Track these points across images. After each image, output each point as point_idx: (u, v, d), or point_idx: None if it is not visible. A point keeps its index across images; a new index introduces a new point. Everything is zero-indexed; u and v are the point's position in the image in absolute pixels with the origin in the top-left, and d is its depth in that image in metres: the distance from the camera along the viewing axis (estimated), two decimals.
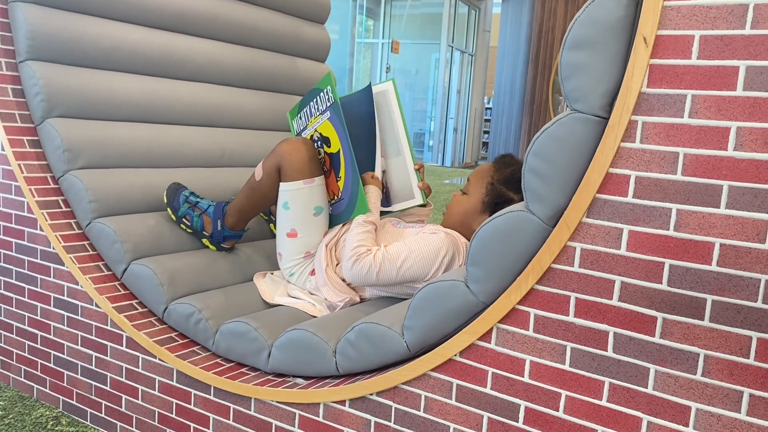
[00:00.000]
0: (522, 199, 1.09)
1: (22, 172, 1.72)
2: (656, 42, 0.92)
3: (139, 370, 1.57)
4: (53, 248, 1.68)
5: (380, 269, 1.45)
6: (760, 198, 0.87)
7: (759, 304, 0.88)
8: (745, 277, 0.89)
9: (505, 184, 1.48)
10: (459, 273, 1.17)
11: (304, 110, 1.78)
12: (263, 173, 1.64)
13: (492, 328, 1.09)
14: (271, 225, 2.00)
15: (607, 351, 1.00)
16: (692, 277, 0.92)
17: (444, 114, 11.43)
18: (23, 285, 1.77)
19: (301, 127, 1.78)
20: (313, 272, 1.64)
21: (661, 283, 0.95)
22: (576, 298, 1.01)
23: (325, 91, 1.67)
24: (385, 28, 10.39)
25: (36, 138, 1.78)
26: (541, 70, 7.23)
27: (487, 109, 13.21)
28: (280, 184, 1.62)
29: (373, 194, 1.65)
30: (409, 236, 1.54)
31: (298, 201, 1.60)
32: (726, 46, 0.88)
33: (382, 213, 1.74)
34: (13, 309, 1.81)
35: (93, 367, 1.66)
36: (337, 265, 1.61)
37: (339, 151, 1.66)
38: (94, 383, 1.66)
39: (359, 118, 1.70)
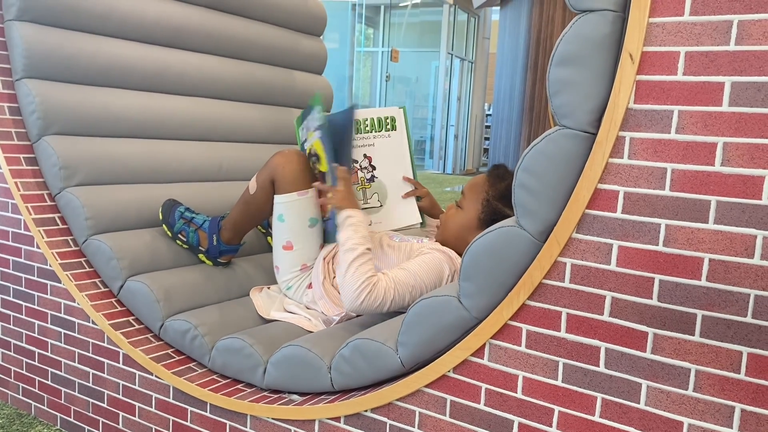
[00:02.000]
0: None
1: (19, 190, 1.73)
2: (642, 58, 0.93)
3: (136, 387, 1.57)
4: (50, 265, 1.69)
5: (392, 302, 1.40)
6: (748, 213, 0.88)
7: (748, 319, 0.89)
8: (734, 292, 0.89)
9: (500, 200, 1.49)
10: (452, 288, 1.18)
11: (305, 122, 1.79)
12: (257, 186, 1.65)
13: (485, 344, 1.10)
14: (269, 238, 2.01)
15: (599, 366, 1.00)
16: (682, 293, 0.93)
17: (444, 121, 11.46)
18: (20, 302, 1.78)
19: (304, 138, 1.79)
20: (310, 285, 1.64)
21: (652, 298, 0.95)
22: (567, 313, 1.02)
23: (316, 109, 1.68)
24: (384, 36, 10.43)
25: (32, 155, 1.79)
26: (540, 77, 7.24)
27: (487, 115, 13.24)
28: (275, 196, 1.62)
29: (355, 219, 1.49)
30: (404, 251, 1.55)
31: (293, 213, 1.61)
32: (711, 62, 0.89)
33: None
34: (11, 326, 1.82)
35: (90, 384, 1.66)
36: (334, 278, 1.61)
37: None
38: (91, 400, 1.67)
39: (343, 139, 1.70)
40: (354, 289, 1.36)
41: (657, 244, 0.94)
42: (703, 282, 0.91)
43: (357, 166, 1.76)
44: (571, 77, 0.99)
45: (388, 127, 1.78)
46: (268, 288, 1.76)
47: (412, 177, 1.82)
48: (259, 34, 2.41)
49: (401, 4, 10.86)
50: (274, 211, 1.64)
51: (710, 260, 0.90)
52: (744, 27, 0.86)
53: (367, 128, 1.77)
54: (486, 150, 13.20)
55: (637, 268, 0.96)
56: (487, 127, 13.04)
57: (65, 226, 1.76)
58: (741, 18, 0.86)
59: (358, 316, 1.59)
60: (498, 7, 9.74)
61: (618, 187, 0.96)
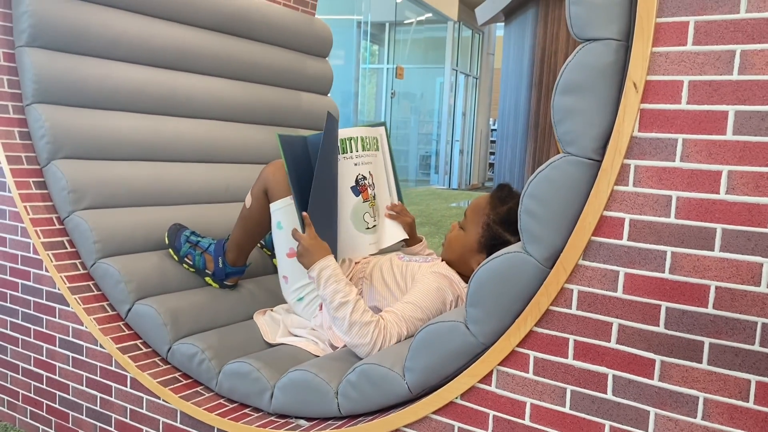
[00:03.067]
0: (518, 240, 1.10)
1: (28, 214, 1.74)
2: (646, 87, 0.94)
3: (144, 411, 1.57)
4: (58, 289, 1.70)
5: (405, 337, 1.40)
6: (754, 241, 0.88)
7: (756, 347, 0.88)
8: (741, 319, 0.89)
9: (501, 225, 1.49)
10: (459, 314, 1.18)
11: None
12: (252, 199, 1.66)
13: (492, 371, 1.10)
14: (275, 260, 2.01)
15: (606, 394, 1.00)
16: (689, 320, 0.93)
17: (450, 136, 11.49)
18: (29, 325, 1.79)
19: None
20: (321, 307, 1.63)
21: (659, 325, 0.95)
22: (575, 340, 1.02)
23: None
24: (389, 53, 10.50)
25: (42, 179, 1.81)
26: (545, 93, 7.26)
27: (492, 130, 13.27)
28: (270, 205, 1.63)
29: (330, 270, 1.44)
30: (410, 272, 1.55)
31: (290, 216, 1.60)
32: (714, 91, 0.90)
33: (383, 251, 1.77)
34: (19, 349, 1.83)
35: (98, 408, 1.67)
36: None
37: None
38: (99, 424, 1.67)
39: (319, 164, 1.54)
40: (367, 342, 1.35)
41: (663, 272, 0.94)
42: (710, 310, 0.91)
43: (366, 182, 1.71)
44: (576, 105, 1.00)
45: (375, 147, 1.75)
46: (272, 310, 1.77)
47: (397, 197, 1.81)
48: (265, 56, 2.44)
49: (406, 21, 10.94)
50: (272, 221, 1.64)
51: (717, 288, 0.91)
52: (747, 57, 0.87)
53: (367, 146, 1.73)
54: (491, 165, 13.22)
55: (643, 295, 0.96)
56: (493, 142, 13.07)
57: (74, 250, 1.77)
58: (744, 48, 0.87)
59: None
60: (502, 23, 9.79)
61: (623, 214, 0.97)
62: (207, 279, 1.79)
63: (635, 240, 0.96)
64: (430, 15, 10.69)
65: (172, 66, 2.14)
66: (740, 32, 0.87)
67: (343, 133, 1.66)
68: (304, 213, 1.49)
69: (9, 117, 1.80)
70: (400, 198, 1.83)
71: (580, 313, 1.01)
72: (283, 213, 1.61)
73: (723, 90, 0.89)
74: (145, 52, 2.04)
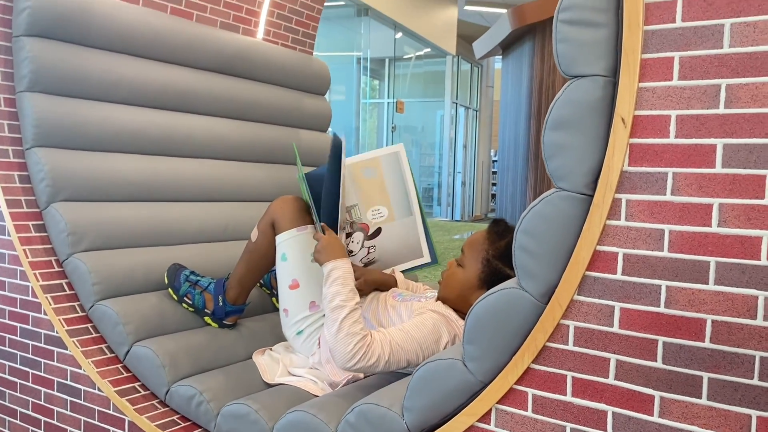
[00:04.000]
0: None
1: (27, 257, 1.75)
2: (634, 122, 0.95)
3: None
4: (57, 332, 1.70)
5: (386, 364, 1.37)
6: (748, 273, 0.88)
7: (756, 382, 0.87)
8: (739, 353, 0.88)
9: (500, 260, 1.48)
10: (456, 351, 1.17)
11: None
12: (258, 233, 1.68)
13: (491, 409, 1.08)
14: (274, 299, 2.01)
15: (606, 430, 0.98)
16: (686, 355, 0.92)
17: (451, 168, 11.54)
18: (27, 370, 1.78)
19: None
20: (320, 343, 1.62)
21: (656, 360, 0.94)
22: (572, 377, 1.01)
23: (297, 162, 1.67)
24: (389, 87, 10.62)
25: (41, 222, 1.82)
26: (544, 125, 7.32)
27: (494, 161, 13.34)
28: (276, 237, 1.65)
29: (341, 271, 1.43)
30: (405, 311, 1.54)
31: (295, 248, 1.62)
32: (702, 125, 0.90)
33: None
34: (17, 394, 1.81)
35: None
36: None
37: None
38: None
39: (330, 188, 1.59)
40: (347, 351, 1.32)
41: (658, 306, 0.94)
42: (707, 344, 0.90)
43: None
44: (566, 141, 1.01)
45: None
46: (271, 350, 1.75)
47: (419, 213, 1.84)
48: (264, 96, 2.47)
49: (405, 57, 11.09)
50: (276, 253, 1.65)
51: (713, 321, 0.90)
52: (732, 90, 0.88)
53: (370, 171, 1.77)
54: (494, 195, 13.25)
55: (640, 330, 0.95)
56: (494, 173, 13.12)
57: (72, 292, 1.77)
58: (728, 82, 0.88)
59: (366, 376, 1.58)
60: (500, 56, 9.92)
61: (617, 248, 0.97)
62: (206, 318, 1.78)
63: (629, 274, 0.96)
64: (428, 50, 10.83)
65: (171, 107, 2.16)
66: (724, 66, 0.88)
67: (357, 158, 1.75)
68: (323, 223, 1.54)
69: (9, 161, 1.82)
70: (424, 222, 1.85)
71: (577, 349, 1.00)
72: (288, 245, 1.63)
73: (710, 124, 0.90)
74: (145, 95, 2.06)
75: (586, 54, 0.99)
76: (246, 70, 2.41)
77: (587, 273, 0.99)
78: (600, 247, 0.98)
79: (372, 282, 1.73)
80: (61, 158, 1.83)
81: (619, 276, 0.96)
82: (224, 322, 1.78)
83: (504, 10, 9.08)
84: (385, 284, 1.76)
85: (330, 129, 2.82)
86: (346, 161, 1.71)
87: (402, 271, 1.84)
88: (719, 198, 0.89)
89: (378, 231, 1.78)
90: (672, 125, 0.92)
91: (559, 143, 1.02)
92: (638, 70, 0.94)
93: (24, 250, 1.75)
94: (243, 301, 1.78)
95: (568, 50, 1.00)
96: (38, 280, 1.73)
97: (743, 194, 0.88)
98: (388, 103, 10.52)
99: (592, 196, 1.00)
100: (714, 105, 0.89)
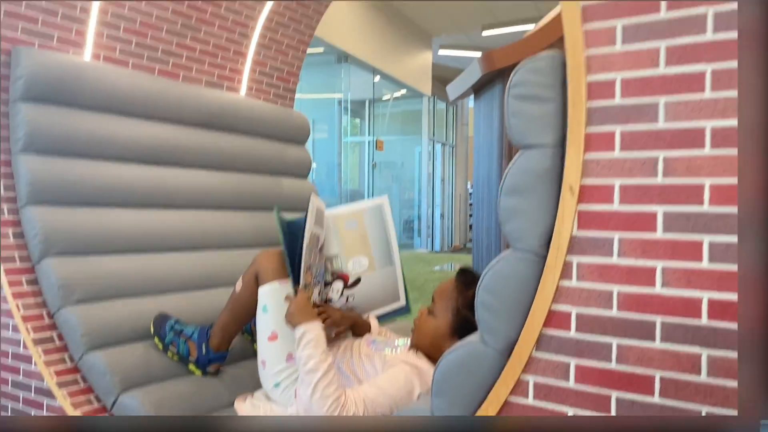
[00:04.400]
0: None
1: (19, 311, 1.71)
2: (581, 190, 0.96)
3: None
4: (46, 383, 1.65)
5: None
6: (691, 332, 0.88)
7: None
8: (688, 409, 0.88)
9: (470, 310, 1.47)
10: (426, 402, 1.15)
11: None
12: (242, 284, 1.67)
13: None
14: (255, 345, 1.98)
15: None
16: (638, 410, 0.91)
17: (430, 201, 11.59)
18: None
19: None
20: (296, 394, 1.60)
21: (611, 414, 0.93)
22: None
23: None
24: (369, 126, 10.69)
25: (33, 276, 1.79)
26: None
27: (470, 194, 13.42)
28: (259, 288, 1.63)
29: (312, 334, 1.44)
30: (378, 361, 1.52)
31: (275, 300, 1.59)
32: (643, 194, 0.91)
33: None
34: None
35: None
36: None
37: None
38: None
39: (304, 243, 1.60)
40: (323, 413, 1.32)
41: (610, 362, 0.93)
42: (656, 399, 0.90)
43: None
44: (519, 206, 1.02)
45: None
46: (252, 396, 1.72)
47: (398, 263, 1.85)
48: (247, 148, 2.47)
49: (384, 98, 11.20)
50: (258, 304, 1.63)
51: (661, 378, 0.90)
52: (668, 162, 0.89)
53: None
54: (471, 226, 13.28)
55: (594, 385, 0.95)
56: (471, 204, 13.18)
57: (63, 343, 1.73)
58: (665, 154, 0.90)
59: None
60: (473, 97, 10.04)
61: (570, 307, 0.97)
62: (190, 366, 1.75)
63: (583, 332, 0.96)
64: (404, 91, 10.95)
65: (159, 162, 2.15)
66: (661, 140, 0.90)
67: (342, 210, 1.78)
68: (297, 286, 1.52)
69: (4, 218, 1.79)
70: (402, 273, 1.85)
71: (536, 403, 0.99)
72: (270, 296, 1.61)
73: (651, 192, 0.91)
74: (134, 151, 2.05)
75: (535, 127, 1.00)
76: (230, 125, 2.41)
77: (544, 330, 0.99)
78: (555, 306, 0.98)
79: (349, 318, 1.73)
80: (54, 215, 1.81)
81: (573, 334, 0.96)
82: (207, 369, 1.75)
83: (476, 54, 9.24)
84: (360, 326, 1.75)
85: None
86: (332, 212, 1.76)
87: (378, 318, 1.82)
88: (662, 260, 0.90)
89: (357, 281, 1.77)
90: (616, 193, 0.93)
91: (513, 208, 1.02)
92: (583, 142, 0.95)
93: (16, 303, 1.72)
94: (226, 347, 1.76)
95: (518, 123, 1.01)
96: (29, 333, 1.70)
97: (683, 257, 0.89)
98: (368, 141, 10.58)
99: (545, 257, 1.00)
100: (653, 174, 0.91)
